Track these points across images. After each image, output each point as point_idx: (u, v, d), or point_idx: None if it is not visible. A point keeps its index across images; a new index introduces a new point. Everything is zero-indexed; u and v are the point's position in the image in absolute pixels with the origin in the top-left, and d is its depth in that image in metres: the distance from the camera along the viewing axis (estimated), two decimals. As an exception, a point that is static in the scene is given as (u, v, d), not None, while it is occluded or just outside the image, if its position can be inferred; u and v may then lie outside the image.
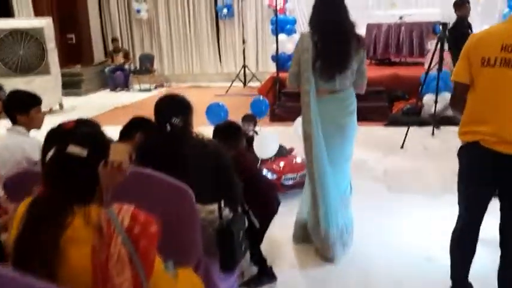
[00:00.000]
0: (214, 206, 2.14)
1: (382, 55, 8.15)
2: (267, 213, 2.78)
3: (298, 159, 4.27)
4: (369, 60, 8.38)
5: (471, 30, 5.91)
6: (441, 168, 4.55)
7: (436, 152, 5.26)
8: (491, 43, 2.03)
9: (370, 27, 8.30)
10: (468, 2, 6.12)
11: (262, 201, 2.70)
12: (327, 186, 2.84)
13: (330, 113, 2.85)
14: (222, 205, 2.16)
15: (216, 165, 2.18)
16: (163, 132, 2.18)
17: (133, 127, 2.54)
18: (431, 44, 6.47)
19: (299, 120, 5.07)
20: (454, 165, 2.33)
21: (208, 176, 2.15)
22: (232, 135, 2.91)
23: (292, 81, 2.88)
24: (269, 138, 4.38)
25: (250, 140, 4.61)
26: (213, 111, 6.13)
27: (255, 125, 4.89)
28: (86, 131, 1.32)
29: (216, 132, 2.94)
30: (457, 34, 5.55)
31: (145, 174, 1.89)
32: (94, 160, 1.30)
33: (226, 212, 2.20)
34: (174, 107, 2.26)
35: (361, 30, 9.12)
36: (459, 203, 2.29)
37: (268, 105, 5.84)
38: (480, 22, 9.96)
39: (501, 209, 2.19)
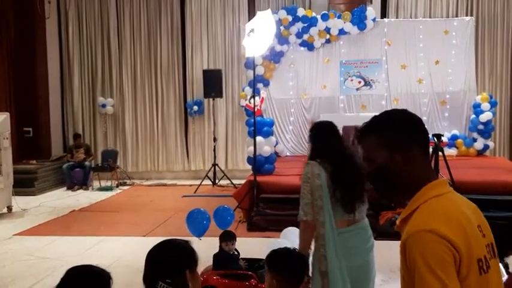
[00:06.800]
0: None
1: (361, 159, 7.92)
2: None
3: None
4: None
5: None
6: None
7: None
8: None
9: (346, 130, 8.11)
10: None
11: None
12: None
13: (351, 248, 2.65)
14: None
15: None
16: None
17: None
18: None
19: (286, 231, 4.54)
20: None
21: None
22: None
23: (307, 213, 2.63)
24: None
25: (235, 258, 4.10)
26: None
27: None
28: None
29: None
30: None
31: None
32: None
33: None
34: (162, 264, 1.74)
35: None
36: None
37: (233, 215, 5.18)
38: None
39: None
